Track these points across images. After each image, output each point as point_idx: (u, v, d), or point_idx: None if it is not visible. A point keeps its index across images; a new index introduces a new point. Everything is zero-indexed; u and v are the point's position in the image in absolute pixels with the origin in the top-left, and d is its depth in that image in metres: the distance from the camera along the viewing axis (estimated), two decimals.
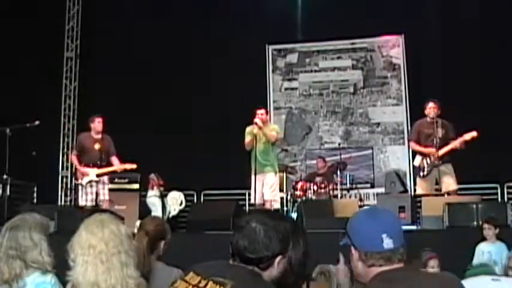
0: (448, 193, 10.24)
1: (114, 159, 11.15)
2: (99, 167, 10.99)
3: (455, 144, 10.21)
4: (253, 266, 2.67)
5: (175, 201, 12.23)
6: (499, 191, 14.10)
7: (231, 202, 10.91)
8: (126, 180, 11.80)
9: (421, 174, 10.52)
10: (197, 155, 14.88)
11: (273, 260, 2.69)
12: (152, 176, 12.31)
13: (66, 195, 16.21)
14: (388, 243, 2.48)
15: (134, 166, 11.03)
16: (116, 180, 11.65)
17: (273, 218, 2.73)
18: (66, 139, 16.51)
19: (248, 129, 10.89)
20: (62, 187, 16.30)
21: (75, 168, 11.46)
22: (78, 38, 16.82)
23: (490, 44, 14.22)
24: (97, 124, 11.09)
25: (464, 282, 2.70)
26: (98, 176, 10.93)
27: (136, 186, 11.86)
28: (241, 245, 2.68)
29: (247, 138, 10.79)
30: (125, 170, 11.21)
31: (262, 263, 2.66)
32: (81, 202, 10.94)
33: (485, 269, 5.22)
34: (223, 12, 15.62)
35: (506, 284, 3.98)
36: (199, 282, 2.66)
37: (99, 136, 11.14)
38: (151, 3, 15.96)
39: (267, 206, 10.65)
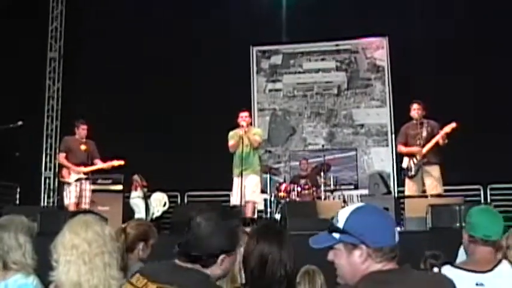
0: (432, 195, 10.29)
1: (99, 162, 11.22)
2: (86, 166, 11.13)
3: (437, 138, 10.26)
4: (197, 263, 2.66)
5: (159, 202, 12.23)
6: (482, 192, 14.17)
7: (215, 204, 10.90)
8: (110, 181, 11.75)
9: (409, 174, 10.57)
10: (181, 156, 14.85)
11: (216, 258, 2.67)
12: (136, 177, 12.29)
13: (49, 197, 16.11)
14: (397, 236, 2.49)
15: (122, 162, 11.08)
16: (99, 181, 11.60)
17: (219, 214, 2.71)
18: (49, 140, 16.43)
19: (232, 132, 10.96)
20: (45, 188, 16.21)
21: (62, 168, 11.43)
22: (61, 39, 16.74)
23: (475, 44, 14.29)
24: (81, 130, 11.30)
25: None
26: (85, 173, 11.01)
27: (119, 187, 11.81)
28: (185, 240, 2.67)
29: (232, 141, 10.83)
30: (113, 167, 11.23)
31: (205, 260, 2.65)
32: (66, 201, 10.99)
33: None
34: (207, 13, 15.58)
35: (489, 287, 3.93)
36: (146, 285, 2.64)
37: (84, 140, 11.33)
38: (134, 4, 15.90)
39: (249, 207, 10.70)
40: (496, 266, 3.95)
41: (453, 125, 10.18)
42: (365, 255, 2.45)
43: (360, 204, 2.64)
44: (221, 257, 2.68)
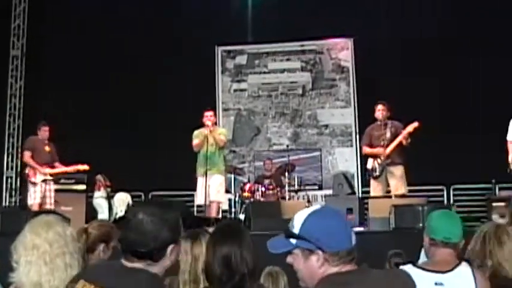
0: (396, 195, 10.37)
1: (59, 165, 11.25)
2: (51, 167, 11.19)
3: (400, 138, 10.33)
4: (146, 260, 2.65)
5: (122, 202, 12.15)
6: (445, 193, 14.31)
7: (179, 202, 10.87)
8: (73, 181, 11.66)
9: (374, 174, 10.62)
10: (145, 156, 14.77)
11: (165, 250, 2.67)
12: (99, 176, 12.20)
13: (11, 196, 15.91)
14: (354, 238, 2.49)
15: (87, 167, 11.04)
16: (62, 181, 11.52)
17: (160, 207, 2.71)
18: (11, 139, 16.20)
19: (197, 131, 10.96)
20: (6, 187, 16.00)
21: (26, 168, 11.35)
22: (24, 36, 16.53)
23: (440, 45, 14.41)
24: (43, 132, 11.42)
25: None
26: (51, 175, 10.98)
27: (83, 187, 11.72)
28: (130, 239, 2.65)
29: (197, 141, 10.83)
30: (78, 171, 11.19)
31: (154, 255, 2.65)
32: (30, 201, 10.95)
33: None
34: (173, 11, 15.51)
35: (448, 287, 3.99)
36: None
37: (47, 142, 11.40)
38: (99, 2, 15.78)
39: (213, 207, 10.69)
40: (455, 267, 4.01)
41: (415, 124, 10.26)
42: (322, 260, 2.44)
43: (316, 207, 2.63)
44: (169, 248, 2.68)
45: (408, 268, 4.05)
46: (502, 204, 10.51)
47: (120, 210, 12.05)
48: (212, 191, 10.68)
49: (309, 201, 13.30)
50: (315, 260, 2.45)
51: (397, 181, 10.49)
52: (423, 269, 4.06)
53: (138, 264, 2.66)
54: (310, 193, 14.25)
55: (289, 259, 2.55)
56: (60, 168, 11.20)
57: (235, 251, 3.19)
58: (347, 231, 2.49)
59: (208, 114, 10.87)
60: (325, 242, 2.43)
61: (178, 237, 2.77)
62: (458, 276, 3.97)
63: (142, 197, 14.72)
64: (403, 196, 10.43)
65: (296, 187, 13.37)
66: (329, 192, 13.35)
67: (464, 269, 4.02)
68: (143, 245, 2.63)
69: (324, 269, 2.45)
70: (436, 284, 3.94)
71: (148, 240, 2.62)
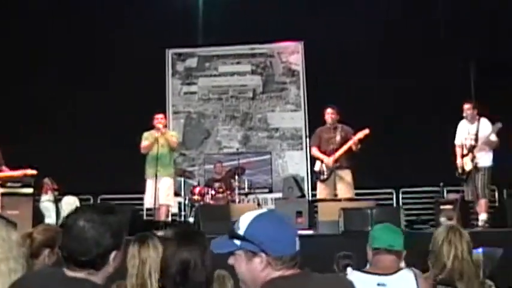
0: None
1: (5, 169, 10.99)
2: None
3: (349, 144, 10.38)
4: (88, 269, 2.60)
5: (70, 206, 11.94)
6: (394, 196, 14.45)
7: (127, 206, 10.79)
8: (19, 184, 11.42)
9: (321, 177, 10.64)
10: (94, 159, 14.59)
11: (108, 257, 2.62)
12: (46, 180, 12.01)
13: None
14: (298, 244, 2.49)
15: (35, 172, 10.83)
16: (9, 184, 11.28)
17: (101, 213, 2.64)
18: None
19: (147, 133, 10.91)
20: None
21: None
22: None
23: (388, 48, 14.56)
24: None
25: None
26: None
27: (29, 190, 11.48)
28: (71, 247, 2.59)
29: (146, 142, 10.77)
30: (25, 176, 10.97)
31: (96, 263, 2.59)
32: None
33: None
34: (123, 14, 15.39)
35: None
36: None
37: None
38: (48, 1, 15.56)
39: (162, 210, 10.64)
40: (398, 271, 4.17)
41: (366, 131, 10.32)
42: (265, 262, 2.44)
43: (263, 211, 2.63)
44: (112, 255, 2.62)
45: (350, 272, 4.18)
46: (450, 206, 10.68)
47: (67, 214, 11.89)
48: (161, 194, 10.63)
49: (259, 204, 13.34)
50: (258, 262, 2.45)
51: (344, 185, 10.52)
52: (366, 272, 4.23)
53: (79, 274, 2.60)
54: (260, 196, 14.28)
55: (231, 260, 2.54)
56: (7, 173, 10.94)
57: (195, 256, 3.16)
58: (292, 237, 2.50)
59: (159, 116, 10.85)
60: (269, 246, 2.43)
61: (121, 243, 2.72)
62: (401, 279, 4.14)
63: (91, 200, 14.55)
64: (352, 199, 10.50)
65: (246, 190, 13.38)
66: (279, 195, 13.39)
67: (406, 273, 4.18)
68: (85, 253, 2.56)
69: (266, 272, 2.45)
70: (378, 284, 4.07)
71: (89, 247, 2.56)
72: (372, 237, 4.34)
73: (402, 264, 4.37)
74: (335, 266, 6.22)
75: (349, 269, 5.06)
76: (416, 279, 4.13)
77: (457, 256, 4.23)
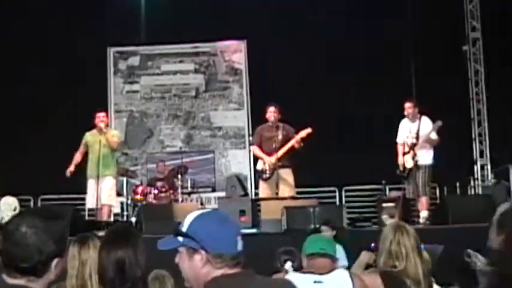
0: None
1: None
2: None
3: (292, 143, 10.41)
4: (29, 276, 2.54)
5: (9, 207, 11.72)
6: (337, 194, 14.56)
7: (68, 207, 10.65)
8: None
9: (264, 176, 10.65)
10: (34, 158, 14.38)
11: (50, 264, 2.58)
12: None
13: None
14: (240, 245, 2.50)
15: None
16: None
17: (44, 219, 2.58)
18: None
19: (88, 133, 10.89)
20: None
21: None
22: None
23: (330, 47, 14.66)
24: None
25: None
26: None
27: None
28: (12, 253, 2.53)
29: (82, 146, 10.83)
30: None
31: (38, 270, 2.54)
32: None
33: None
34: (66, 11, 15.16)
35: (327, 286, 4.19)
36: None
37: None
38: None
39: (104, 210, 10.53)
40: (333, 270, 4.34)
41: (308, 130, 10.37)
42: (205, 260, 2.47)
43: (208, 210, 2.67)
44: (55, 262, 2.57)
45: (289, 267, 4.34)
46: (392, 204, 10.81)
47: (6, 215, 11.63)
48: (103, 194, 10.54)
49: (202, 203, 13.33)
50: (198, 259, 2.48)
51: (286, 184, 10.54)
52: (302, 272, 4.43)
53: (20, 281, 2.54)
54: (204, 195, 14.26)
55: (176, 259, 2.57)
56: None
57: (129, 254, 3.15)
58: (232, 237, 2.52)
59: (101, 115, 10.74)
60: (209, 243, 2.47)
61: (64, 250, 2.67)
62: (336, 277, 4.28)
63: (32, 201, 14.32)
64: (295, 198, 10.54)
65: (189, 189, 13.34)
66: (222, 194, 13.37)
67: (341, 272, 4.36)
68: (26, 260, 2.50)
69: (206, 270, 2.48)
70: (315, 282, 4.23)
71: (31, 254, 2.50)
72: (305, 247, 4.54)
73: (336, 266, 4.53)
74: (277, 261, 6.24)
75: (288, 263, 5.18)
76: (351, 278, 4.25)
77: (408, 256, 4.29)
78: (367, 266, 5.55)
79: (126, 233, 3.37)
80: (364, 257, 4.92)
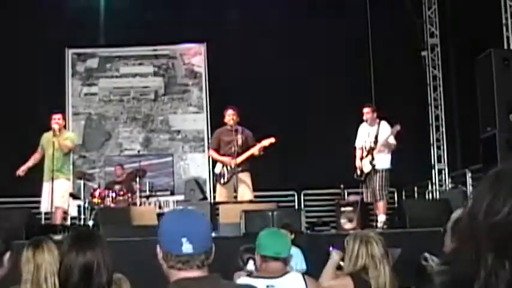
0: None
1: None
2: None
3: (253, 150, 10.40)
4: None
5: None
6: (296, 198, 14.59)
7: (24, 210, 10.52)
8: None
9: (222, 181, 10.62)
10: None
11: (2, 260, 2.61)
12: None
13: None
14: (187, 248, 2.46)
15: None
16: None
17: None
18: None
19: (44, 136, 10.79)
20: None
21: None
22: None
23: (290, 50, 14.70)
24: None
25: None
26: None
27: None
28: None
29: (40, 147, 10.76)
30: None
31: None
32: None
33: None
34: (22, 11, 14.97)
35: None
36: None
37: None
38: None
39: (58, 213, 10.43)
40: (285, 274, 4.38)
41: (272, 140, 10.37)
42: (162, 254, 2.55)
43: (183, 208, 2.74)
44: (6, 257, 2.58)
45: (241, 279, 4.39)
46: (350, 208, 10.88)
47: None
48: (56, 196, 10.40)
49: (160, 207, 13.23)
50: (160, 256, 2.56)
51: (244, 187, 10.53)
52: (255, 276, 4.51)
53: None
54: (162, 199, 14.15)
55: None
56: None
57: (98, 258, 3.08)
58: (178, 238, 2.49)
59: (56, 117, 10.63)
60: (160, 240, 2.56)
61: (10, 245, 2.67)
62: (289, 281, 4.33)
63: None
64: (253, 202, 10.54)
65: (147, 193, 13.25)
66: (181, 197, 13.34)
67: (294, 275, 4.44)
68: None
69: (165, 266, 2.55)
70: (267, 286, 4.24)
71: None
72: (258, 245, 4.51)
73: (288, 268, 4.59)
74: (239, 259, 6.25)
75: (251, 262, 5.22)
76: (304, 280, 4.33)
77: (377, 268, 4.37)
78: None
79: (92, 236, 3.31)
80: (337, 256, 4.93)
